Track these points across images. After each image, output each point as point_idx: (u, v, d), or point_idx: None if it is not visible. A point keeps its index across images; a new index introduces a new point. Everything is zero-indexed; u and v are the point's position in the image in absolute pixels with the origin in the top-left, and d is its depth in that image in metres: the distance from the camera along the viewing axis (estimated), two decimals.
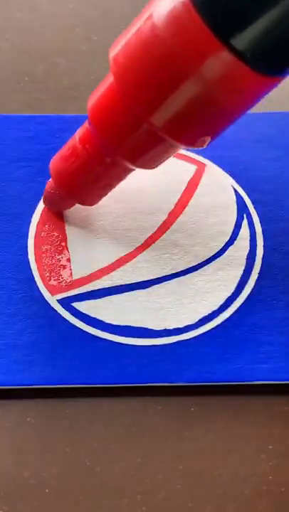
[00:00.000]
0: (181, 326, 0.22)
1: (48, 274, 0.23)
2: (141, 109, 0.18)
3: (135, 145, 0.20)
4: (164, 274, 0.23)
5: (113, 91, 0.19)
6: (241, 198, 0.25)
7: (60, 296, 0.23)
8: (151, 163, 0.21)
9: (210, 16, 0.16)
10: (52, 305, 0.22)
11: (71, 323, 0.22)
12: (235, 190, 0.25)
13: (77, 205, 0.24)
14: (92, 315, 0.22)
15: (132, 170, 0.22)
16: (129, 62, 0.18)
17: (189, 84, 0.17)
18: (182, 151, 0.26)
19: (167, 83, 0.17)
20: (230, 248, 0.24)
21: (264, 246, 0.24)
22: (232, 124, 0.19)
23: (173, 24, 0.17)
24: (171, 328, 0.22)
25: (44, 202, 0.24)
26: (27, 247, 0.24)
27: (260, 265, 0.24)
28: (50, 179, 0.23)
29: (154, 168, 0.21)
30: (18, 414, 0.21)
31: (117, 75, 0.19)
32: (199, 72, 0.17)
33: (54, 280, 0.23)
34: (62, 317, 0.22)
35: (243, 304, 0.23)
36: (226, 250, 0.24)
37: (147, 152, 0.20)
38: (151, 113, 0.18)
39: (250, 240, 0.24)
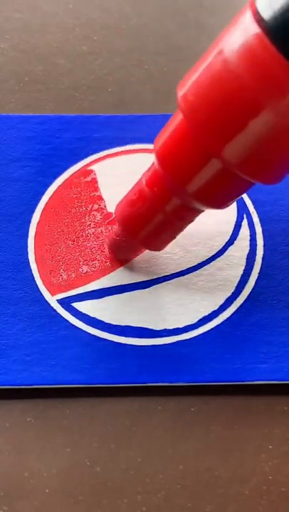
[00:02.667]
0: (181, 326, 0.22)
1: (48, 273, 0.23)
2: (214, 145, 0.18)
3: (206, 184, 0.19)
4: (164, 274, 0.23)
5: (183, 129, 0.19)
6: (241, 198, 0.25)
7: (60, 296, 0.23)
8: (222, 203, 0.20)
9: (286, 46, 0.15)
10: (52, 305, 0.22)
11: (71, 323, 0.22)
12: None
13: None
14: (92, 315, 0.22)
15: (201, 211, 0.21)
16: (201, 98, 0.18)
17: (265, 117, 0.17)
18: None
19: (239, 117, 0.17)
20: (230, 248, 0.24)
21: (264, 246, 0.24)
22: None
23: (246, 57, 0.16)
24: (171, 328, 0.22)
25: (109, 249, 0.24)
26: (27, 247, 0.24)
27: (260, 265, 0.24)
28: (116, 226, 0.22)
29: (224, 207, 0.20)
30: (18, 414, 0.21)
31: (187, 112, 0.18)
32: (276, 104, 0.16)
33: (54, 280, 0.23)
34: (63, 317, 0.22)
35: (243, 303, 0.23)
36: (225, 250, 0.24)
37: (218, 191, 0.19)
38: (223, 148, 0.18)
39: (250, 240, 0.24)
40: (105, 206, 0.25)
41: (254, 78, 0.16)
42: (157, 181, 0.20)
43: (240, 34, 0.16)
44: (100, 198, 0.25)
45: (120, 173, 0.26)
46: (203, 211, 0.21)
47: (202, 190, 0.19)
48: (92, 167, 0.26)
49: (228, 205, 0.20)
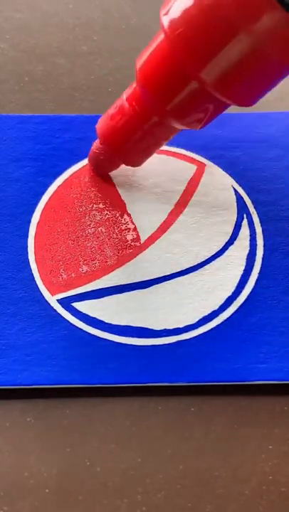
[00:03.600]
0: (181, 326, 0.22)
1: (48, 273, 0.23)
2: (191, 65, 0.19)
3: (183, 103, 0.20)
4: (164, 274, 0.23)
5: (163, 49, 0.20)
6: (241, 198, 0.25)
7: (60, 296, 0.23)
8: (198, 123, 0.21)
9: None
10: (52, 305, 0.22)
11: (71, 323, 0.22)
12: (235, 190, 0.25)
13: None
14: (92, 315, 0.22)
15: (178, 130, 0.22)
16: (181, 18, 0.19)
17: (241, 39, 0.17)
18: (182, 151, 0.26)
19: (218, 38, 0.18)
20: (230, 248, 0.24)
21: (264, 246, 0.24)
22: (279, 81, 0.20)
23: None
24: (171, 328, 0.22)
25: (89, 162, 0.25)
26: (27, 247, 0.24)
27: (260, 265, 0.24)
28: (97, 140, 0.24)
29: (200, 128, 0.21)
30: (18, 414, 0.21)
31: (168, 32, 0.19)
32: (252, 27, 0.17)
33: (54, 280, 0.23)
34: (63, 317, 0.22)
35: (243, 303, 0.23)
36: (225, 250, 0.24)
37: (195, 110, 0.20)
38: (201, 69, 0.19)
39: (250, 240, 0.24)
40: (105, 206, 0.25)
41: (233, 1, 0.17)
42: (137, 98, 0.21)
43: None
44: (101, 197, 0.25)
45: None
46: (180, 130, 0.22)
47: (180, 109, 0.20)
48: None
49: (204, 125, 0.21)
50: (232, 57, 0.18)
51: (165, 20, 0.19)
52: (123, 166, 0.25)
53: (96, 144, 0.24)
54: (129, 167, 0.24)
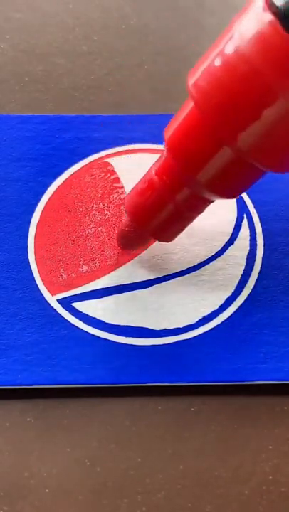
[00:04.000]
0: (181, 326, 0.22)
1: (48, 273, 0.23)
2: (226, 133, 0.18)
3: (217, 173, 0.19)
4: (164, 274, 0.23)
5: (194, 118, 0.19)
6: (241, 198, 0.25)
7: (60, 296, 0.23)
8: (233, 192, 0.20)
9: None
10: (52, 305, 0.22)
11: (71, 323, 0.22)
12: None
13: None
14: (92, 315, 0.22)
15: (211, 201, 0.21)
16: (212, 85, 0.17)
17: (278, 104, 0.17)
18: None
19: (255, 105, 0.17)
20: (230, 248, 0.24)
21: (264, 246, 0.24)
22: None
23: (258, 42, 0.16)
24: (171, 328, 0.22)
25: (118, 241, 0.24)
26: (27, 247, 0.24)
27: (260, 265, 0.24)
28: (125, 217, 0.22)
29: (234, 197, 0.20)
30: (18, 414, 0.21)
31: (198, 100, 0.18)
32: None
33: (54, 280, 0.23)
34: (63, 317, 0.22)
35: (243, 303, 0.23)
36: (225, 250, 0.24)
37: (229, 180, 0.19)
38: (237, 137, 0.17)
39: (250, 240, 0.24)
40: (105, 206, 0.25)
41: (267, 63, 0.16)
42: (167, 171, 0.20)
43: (252, 20, 0.16)
44: (101, 197, 0.25)
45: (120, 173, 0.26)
46: (213, 201, 0.21)
47: (213, 179, 0.19)
48: (93, 167, 0.26)
49: (238, 195, 0.20)
50: (269, 122, 0.17)
51: (195, 90, 0.18)
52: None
53: (125, 222, 0.22)
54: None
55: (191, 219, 0.22)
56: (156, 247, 0.24)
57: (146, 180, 0.21)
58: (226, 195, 0.20)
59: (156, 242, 0.24)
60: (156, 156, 0.26)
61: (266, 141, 0.17)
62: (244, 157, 0.18)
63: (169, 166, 0.20)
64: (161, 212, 0.21)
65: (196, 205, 0.21)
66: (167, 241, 0.22)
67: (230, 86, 0.17)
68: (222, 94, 0.17)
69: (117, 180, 0.25)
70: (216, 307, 0.23)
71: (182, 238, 0.24)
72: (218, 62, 0.17)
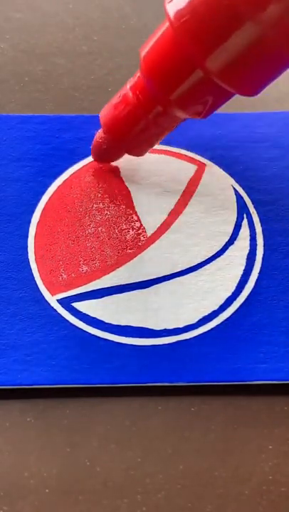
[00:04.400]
0: (181, 326, 0.22)
1: (48, 273, 0.23)
2: (196, 53, 0.19)
3: (188, 92, 0.20)
4: (164, 274, 0.23)
5: (168, 38, 0.20)
6: (241, 198, 0.25)
7: (60, 296, 0.23)
8: (202, 111, 0.21)
9: None
10: (52, 305, 0.22)
11: (71, 323, 0.22)
12: (235, 190, 0.25)
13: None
14: (92, 315, 0.22)
15: (182, 119, 0.22)
16: (186, 7, 0.18)
17: (247, 28, 0.18)
18: (182, 151, 0.26)
19: (224, 27, 0.18)
20: (230, 248, 0.24)
21: (264, 246, 0.24)
22: (283, 71, 0.19)
23: None
24: (171, 328, 0.22)
25: (92, 152, 0.25)
26: (27, 247, 0.24)
27: (260, 265, 0.24)
28: (100, 129, 0.24)
29: (204, 117, 0.21)
30: (18, 414, 0.21)
31: (173, 21, 0.19)
32: (258, 16, 0.17)
33: (54, 280, 0.23)
34: (63, 317, 0.22)
35: (243, 303, 0.23)
36: (225, 250, 0.24)
37: (199, 99, 0.20)
38: (206, 57, 0.19)
39: (250, 240, 0.24)
40: (105, 206, 0.25)
41: None
42: (141, 88, 0.21)
43: None
44: (101, 197, 0.25)
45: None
46: (183, 120, 0.22)
47: (184, 98, 0.20)
48: (93, 167, 0.26)
49: (208, 115, 0.21)
50: (237, 46, 0.18)
51: (170, 9, 0.19)
52: (126, 159, 0.25)
53: (99, 134, 0.24)
54: (133, 158, 0.25)
55: (162, 135, 0.23)
56: (157, 246, 0.24)
57: (121, 95, 0.22)
58: (196, 115, 0.21)
59: (155, 241, 0.24)
60: (156, 156, 0.26)
61: (233, 63, 0.19)
62: (213, 78, 0.19)
63: (143, 83, 0.21)
64: (133, 127, 0.22)
65: (168, 122, 0.22)
66: (138, 155, 0.24)
67: (202, 9, 0.18)
68: (194, 16, 0.18)
69: (117, 180, 0.25)
70: (216, 307, 0.23)
71: (182, 238, 0.24)
72: None
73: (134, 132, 0.23)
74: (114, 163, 0.25)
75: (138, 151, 0.24)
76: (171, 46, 0.20)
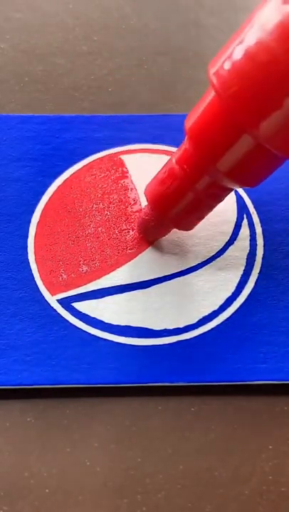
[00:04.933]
0: (181, 326, 0.22)
1: (48, 273, 0.23)
2: (248, 121, 0.18)
3: (237, 161, 0.19)
4: (164, 274, 0.23)
5: (215, 107, 0.19)
6: (241, 198, 0.25)
7: (60, 296, 0.23)
8: (252, 180, 0.20)
9: None
10: (52, 305, 0.22)
11: (71, 323, 0.22)
12: (236, 190, 0.25)
13: None
14: (92, 315, 0.22)
15: (231, 189, 0.21)
16: (234, 76, 0.18)
17: None
18: None
19: (276, 93, 0.17)
20: (230, 248, 0.24)
21: (264, 246, 0.24)
22: None
23: (279, 33, 0.17)
24: (171, 328, 0.22)
25: (139, 229, 0.24)
26: (27, 247, 0.24)
27: (260, 265, 0.24)
28: (145, 206, 0.23)
29: (254, 186, 0.21)
30: (18, 414, 0.21)
31: (220, 88, 0.18)
32: None
33: (54, 280, 0.23)
34: (63, 317, 0.22)
35: (243, 303, 0.23)
36: (225, 250, 0.24)
37: (250, 168, 0.20)
38: (258, 125, 0.18)
39: (250, 240, 0.24)
40: (105, 206, 0.25)
41: (287, 52, 0.17)
42: (187, 159, 0.21)
43: (272, 11, 0.17)
44: (101, 197, 0.25)
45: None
46: (233, 190, 0.21)
47: (233, 167, 0.20)
48: (93, 167, 0.26)
49: (259, 183, 0.21)
50: None
51: (216, 79, 0.18)
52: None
53: (145, 210, 0.23)
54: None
55: (211, 207, 0.22)
56: (157, 246, 0.24)
57: (167, 170, 0.21)
58: (246, 183, 0.20)
59: (155, 243, 0.24)
60: (156, 156, 0.26)
61: (286, 128, 0.18)
62: (264, 145, 0.19)
63: (189, 154, 0.21)
64: (182, 201, 0.21)
65: (216, 194, 0.21)
66: (187, 229, 0.23)
67: (251, 74, 0.18)
68: (243, 82, 0.18)
69: (117, 180, 0.26)
70: (216, 307, 0.23)
71: (182, 238, 0.24)
72: (239, 52, 0.18)
73: (183, 206, 0.22)
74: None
75: (187, 225, 0.23)
76: (219, 115, 0.19)
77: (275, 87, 0.17)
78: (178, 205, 0.22)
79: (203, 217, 0.23)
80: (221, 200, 0.22)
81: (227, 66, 0.18)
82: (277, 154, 0.19)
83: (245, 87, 0.18)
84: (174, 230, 0.23)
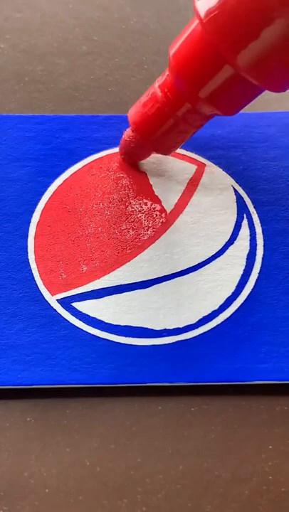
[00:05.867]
0: (181, 326, 0.22)
1: (48, 273, 0.23)
2: (226, 50, 0.19)
3: (217, 88, 0.20)
4: (164, 274, 0.23)
5: (198, 35, 0.20)
6: (241, 198, 0.25)
7: (60, 296, 0.23)
8: (232, 107, 0.21)
9: None
10: (52, 305, 0.22)
11: (71, 323, 0.22)
12: (235, 190, 0.25)
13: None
14: (92, 315, 0.22)
15: (210, 117, 0.22)
16: (216, 3, 0.19)
17: (277, 24, 0.18)
18: (182, 151, 0.26)
19: (254, 23, 0.18)
20: (230, 248, 0.24)
21: (264, 246, 0.24)
22: None
23: None
24: (171, 328, 0.22)
25: (120, 151, 0.25)
26: (27, 246, 0.24)
27: (260, 265, 0.24)
28: (128, 128, 0.24)
29: (233, 114, 0.22)
30: (18, 414, 0.21)
31: (202, 17, 0.19)
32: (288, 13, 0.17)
33: (54, 279, 0.23)
34: (63, 317, 0.22)
35: (243, 303, 0.23)
36: (225, 250, 0.24)
37: (228, 96, 0.21)
38: (236, 54, 0.19)
39: (250, 240, 0.24)
40: (105, 206, 0.25)
41: None
42: (169, 85, 0.22)
43: None
44: (101, 197, 0.25)
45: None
46: (212, 117, 0.22)
47: (213, 95, 0.21)
48: (93, 167, 0.26)
49: (237, 111, 0.22)
50: (267, 42, 0.18)
51: (199, 6, 0.19)
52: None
53: (127, 132, 0.24)
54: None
55: (189, 133, 0.23)
56: (157, 246, 0.24)
57: (150, 93, 0.23)
58: (226, 111, 0.21)
59: (155, 243, 0.24)
60: (156, 156, 0.26)
61: (264, 60, 0.19)
62: (243, 74, 0.19)
63: (172, 81, 0.22)
64: (162, 124, 0.23)
65: (196, 120, 0.22)
66: (165, 153, 0.24)
67: (232, 5, 0.18)
68: (225, 13, 0.19)
69: (117, 180, 0.26)
70: (216, 307, 0.23)
71: (182, 238, 0.24)
72: None
73: (163, 130, 0.23)
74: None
75: (165, 149, 0.24)
76: (200, 43, 0.20)
77: (253, 18, 0.18)
78: (158, 128, 0.23)
79: (181, 143, 0.24)
80: (199, 127, 0.23)
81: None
82: (255, 84, 0.20)
83: (227, 17, 0.19)
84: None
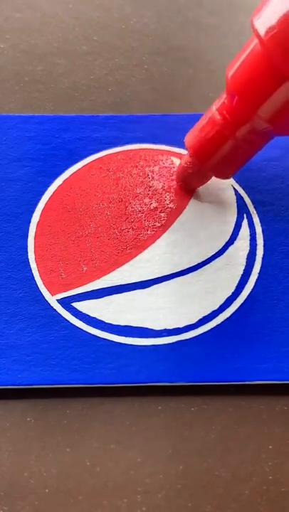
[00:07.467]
0: (181, 326, 0.22)
1: (48, 273, 0.23)
2: (285, 64, 0.19)
3: (277, 106, 0.21)
4: (164, 274, 0.23)
5: (257, 53, 0.20)
6: (241, 198, 0.25)
7: (60, 296, 0.23)
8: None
9: None
10: (52, 305, 0.22)
11: (71, 323, 0.22)
12: (235, 190, 0.25)
13: None
14: (92, 315, 0.22)
15: (270, 138, 0.22)
16: (276, 22, 0.19)
17: None
18: (182, 151, 0.26)
19: None
20: (230, 248, 0.24)
21: (264, 246, 0.24)
22: None
23: None
24: (171, 328, 0.22)
25: (177, 178, 0.25)
26: (27, 247, 0.24)
27: (260, 265, 0.24)
28: (185, 154, 0.24)
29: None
30: (18, 414, 0.21)
31: (263, 36, 0.19)
32: None
33: (54, 279, 0.23)
34: (63, 317, 0.22)
35: (243, 303, 0.23)
36: (225, 250, 0.24)
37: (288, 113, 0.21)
38: None
39: (250, 240, 0.24)
40: (105, 206, 0.25)
41: None
42: (228, 107, 0.22)
43: None
44: (101, 197, 0.25)
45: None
46: (272, 138, 0.22)
47: (273, 113, 0.21)
48: (93, 167, 0.26)
49: None
50: None
51: (259, 25, 0.20)
52: None
53: (185, 158, 0.24)
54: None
55: (249, 155, 0.23)
56: (157, 246, 0.24)
57: (208, 117, 0.23)
58: (286, 130, 0.22)
59: (155, 243, 0.24)
60: (156, 156, 0.26)
61: None
62: None
63: (230, 102, 0.22)
64: (221, 147, 0.22)
65: (256, 140, 0.22)
66: (225, 177, 0.24)
67: None
68: (282, 26, 0.19)
69: (117, 180, 0.26)
70: (216, 307, 0.23)
71: (182, 238, 0.24)
72: (279, 1, 0.19)
73: (222, 153, 0.23)
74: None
75: (226, 172, 0.24)
76: (260, 61, 0.20)
77: None
78: (217, 151, 0.23)
79: (241, 165, 0.23)
80: (259, 148, 0.23)
81: (269, 13, 0.19)
82: None
83: (286, 30, 0.19)
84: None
